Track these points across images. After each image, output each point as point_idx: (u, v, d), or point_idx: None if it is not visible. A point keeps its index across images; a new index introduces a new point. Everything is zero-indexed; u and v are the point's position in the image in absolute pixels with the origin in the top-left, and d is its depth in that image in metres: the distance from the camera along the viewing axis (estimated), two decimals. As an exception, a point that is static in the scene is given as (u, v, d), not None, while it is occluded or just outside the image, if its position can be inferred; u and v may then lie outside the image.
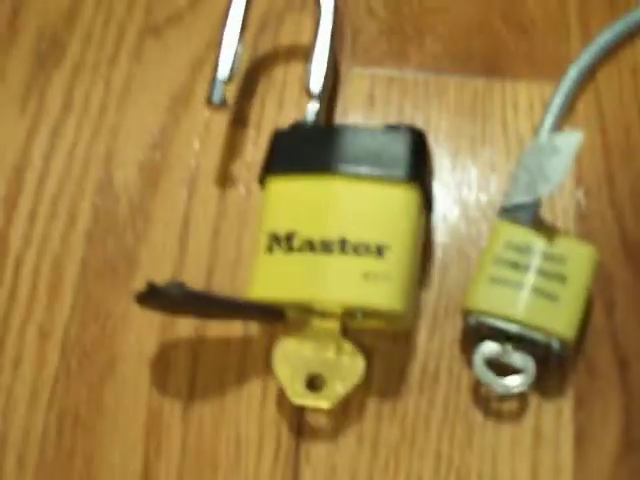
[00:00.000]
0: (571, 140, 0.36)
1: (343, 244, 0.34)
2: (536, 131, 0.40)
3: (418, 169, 0.35)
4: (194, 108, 0.42)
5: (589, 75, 0.41)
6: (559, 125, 0.40)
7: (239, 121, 0.42)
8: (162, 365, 0.37)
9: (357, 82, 0.42)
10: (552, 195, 0.39)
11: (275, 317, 0.35)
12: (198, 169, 0.41)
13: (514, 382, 0.35)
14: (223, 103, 0.38)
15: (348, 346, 0.35)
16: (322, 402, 0.34)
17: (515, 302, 0.34)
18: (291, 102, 0.42)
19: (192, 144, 0.42)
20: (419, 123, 0.41)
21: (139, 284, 0.39)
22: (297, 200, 0.35)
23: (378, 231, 0.34)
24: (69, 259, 0.40)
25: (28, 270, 0.40)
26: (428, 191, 0.36)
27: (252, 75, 0.43)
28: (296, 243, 0.34)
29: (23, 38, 0.46)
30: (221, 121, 0.42)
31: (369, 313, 0.35)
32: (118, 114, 0.43)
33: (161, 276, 0.39)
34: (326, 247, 0.34)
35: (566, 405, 0.36)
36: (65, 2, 0.47)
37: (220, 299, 0.34)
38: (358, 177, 0.35)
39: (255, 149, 0.41)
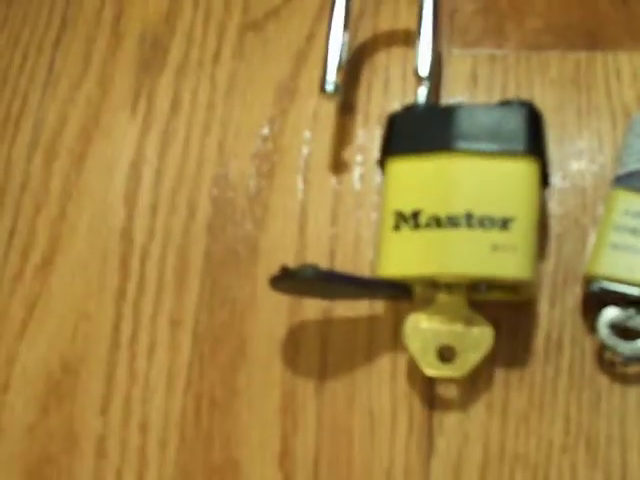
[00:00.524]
0: (684, 105, 0.36)
1: (469, 218, 0.35)
2: (641, 100, 0.40)
3: (536, 142, 0.36)
4: (300, 99, 0.44)
5: (688, 42, 0.42)
6: (663, 93, 0.41)
7: (346, 108, 0.43)
8: (292, 346, 0.39)
9: (458, 63, 0.43)
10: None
11: (403, 294, 0.36)
12: (311, 156, 0.42)
13: (640, 344, 0.35)
14: (336, 91, 0.39)
15: (477, 317, 0.36)
16: (454, 372, 0.35)
17: (637, 266, 0.35)
18: (396, 86, 0.43)
19: (302, 133, 0.43)
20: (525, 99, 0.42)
21: (262, 270, 0.40)
22: (420, 179, 0.36)
23: (502, 204, 0.35)
24: (192, 249, 0.41)
25: (154, 262, 0.42)
26: (545, 164, 0.37)
27: (355, 62, 0.44)
28: (422, 220, 0.35)
29: (127, 43, 0.47)
30: (329, 109, 0.43)
31: (494, 285, 0.36)
32: (226, 110, 0.45)
33: (283, 261, 0.40)
34: (453, 222, 0.35)
35: (692, 365, 0.36)
36: (164, 5, 0.48)
37: (351, 278, 0.36)
38: (478, 153, 0.36)
39: (365, 133, 0.42)
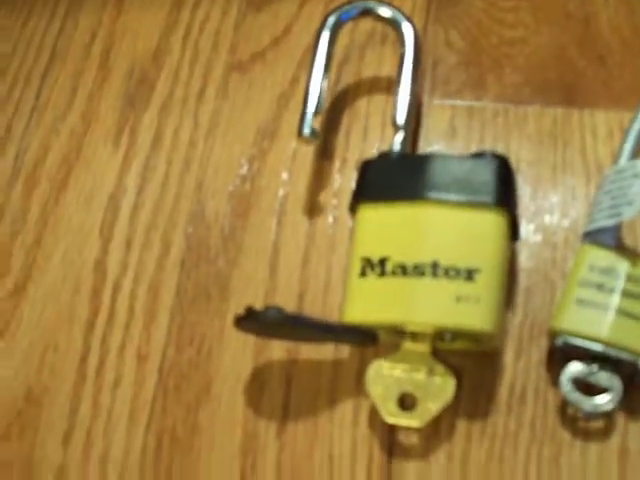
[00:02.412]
0: (653, 165, 0.37)
1: (435, 268, 0.35)
2: (615, 158, 0.41)
3: (505, 194, 0.36)
4: (280, 141, 0.44)
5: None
6: (638, 152, 0.41)
7: (325, 152, 0.44)
8: (256, 386, 0.39)
9: (438, 113, 0.44)
10: (633, 219, 0.40)
11: (368, 340, 0.37)
12: (286, 198, 0.43)
13: (601, 401, 0.35)
14: (313, 135, 0.40)
15: (439, 367, 0.36)
16: (414, 421, 0.35)
17: (601, 323, 0.35)
18: (375, 133, 0.44)
19: (280, 175, 0.43)
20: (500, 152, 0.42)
21: (232, 309, 0.41)
22: (389, 226, 0.36)
23: (468, 255, 0.35)
24: (164, 285, 0.42)
25: (125, 296, 0.42)
26: (515, 216, 0.37)
27: (336, 107, 0.45)
28: (389, 267, 0.35)
29: (114, 78, 0.48)
30: (307, 152, 0.44)
31: (459, 334, 0.36)
32: (207, 148, 0.45)
33: (253, 301, 0.40)
34: (419, 271, 0.35)
35: (653, 425, 0.36)
36: (153, 42, 0.49)
37: (316, 322, 0.36)
38: (448, 203, 0.36)
39: (341, 178, 0.43)
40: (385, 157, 0.38)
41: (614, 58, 0.44)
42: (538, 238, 0.40)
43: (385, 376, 0.36)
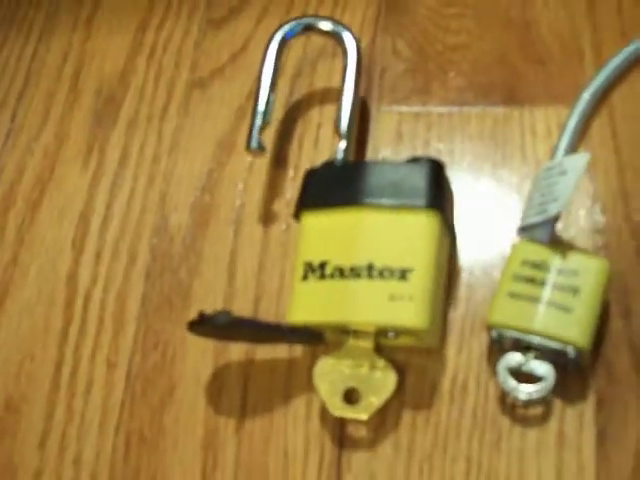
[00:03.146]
0: (577, 162, 0.39)
1: (370, 269, 0.37)
2: (553, 154, 0.43)
3: (437, 197, 0.38)
4: (237, 153, 0.47)
5: (602, 98, 0.44)
6: (575, 147, 0.43)
7: (279, 161, 0.46)
8: (216, 387, 0.41)
9: (386, 120, 0.46)
10: (570, 213, 0.42)
11: (315, 339, 0.39)
12: (243, 208, 0.45)
13: (534, 388, 0.37)
14: (261, 148, 0.42)
15: (381, 362, 0.38)
16: (358, 414, 0.38)
17: (532, 315, 0.37)
18: (326, 142, 0.46)
19: (237, 185, 0.46)
20: (444, 153, 0.44)
21: (193, 315, 0.43)
22: (328, 232, 0.38)
23: (402, 256, 0.37)
24: (131, 295, 0.44)
25: (95, 307, 0.44)
26: (448, 217, 0.39)
27: (289, 118, 0.47)
28: (328, 270, 0.38)
29: (83, 98, 0.51)
30: (262, 163, 0.46)
31: (399, 331, 0.38)
32: (169, 162, 0.47)
33: (213, 307, 0.43)
34: (355, 273, 0.37)
35: (587, 409, 0.38)
36: (120, 62, 0.51)
37: (263, 324, 0.38)
38: (382, 207, 0.38)
39: (293, 187, 0.45)
40: (328, 166, 0.41)
41: (554, 60, 0.46)
42: (479, 236, 0.42)
43: (331, 372, 0.38)
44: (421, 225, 0.38)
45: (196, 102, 0.49)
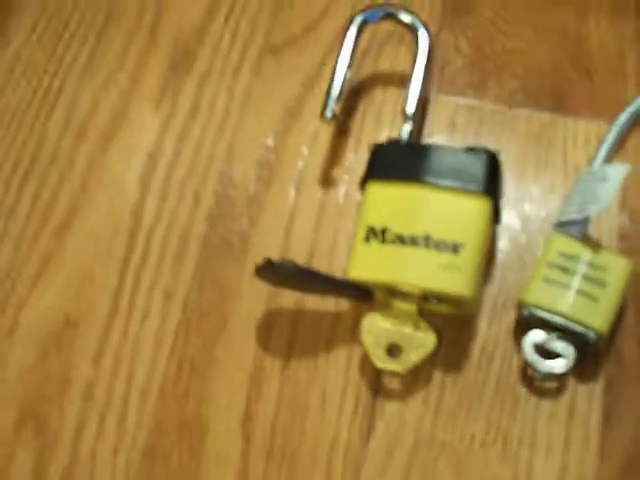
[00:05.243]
0: (619, 171, 0.43)
1: (427, 240, 0.42)
2: (590, 161, 0.47)
3: (491, 185, 0.43)
4: (304, 119, 0.51)
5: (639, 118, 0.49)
6: (610, 158, 0.48)
7: (341, 132, 0.50)
8: (266, 328, 0.45)
9: (442, 108, 0.50)
10: (600, 216, 0.46)
11: (364, 296, 0.43)
12: (305, 171, 0.49)
13: (556, 364, 0.42)
14: (334, 118, 0.46)
15: (423, 324, 0.43)
16: (398, 367, 0.42)
17: (562, 299, 0.42)
18: (387, 119, 0.50)
19: (300, 149, 0.50)
20: (492, 147, 0.49)
21: (250, 261, 0.47)
22: (391, 202, 0.43)
23: (456, 232, 0.42)
24: (192, 234, 0.48)
25: (158, 240, 0.48)
26: (497, 204, 0.43)
27: (354, 93, 0.51)
28: (388, 236, 0.42)
29: (161, 46, 0.54)
30: (326, 132, 0.50)
31: (442, 298, 0.43)
32: (239, 118, 0.51)
33: (269, 256, 0.46)
34: (413, 241, 0.42)
35: (597, 388, 0.43)
36: (197, 18, 0.55)
37: (323, 276, 0.42)
38: (442, 188, 0.43)
39: (354, 157, 0.49)
40: (393, 143, 0.45)
41: (599, 74, 0.50)
42: (517, 224, 0.47)
43: (377, 327, 0.43)
44: (475, 208, 0.42)
45: (268, 66, 0.53)
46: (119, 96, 0.53)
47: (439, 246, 0.41)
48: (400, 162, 0.44)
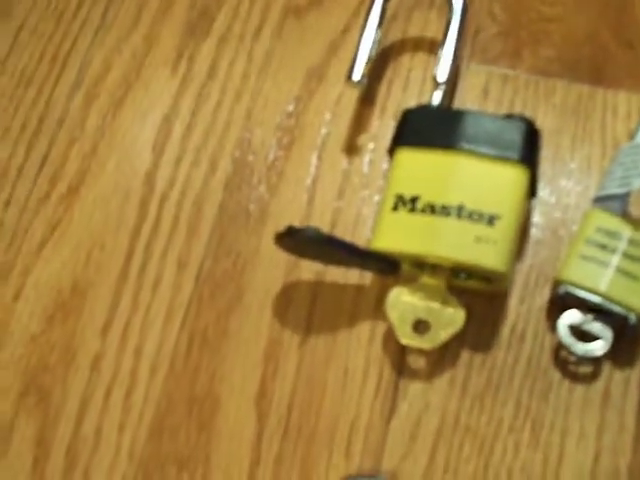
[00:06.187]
0: (666, 144, 0.41)
1: (460, 210, 0.39)
2: (631, 135, 0.45)
3: (529, 153, 0.40)
4: (327, 84, 0.48)
5: (683, 92, 0.46)
6: (651, 133, 0.45)
7: (366, 99, 0.47)
8: (284, 301, 0.43)
9: (474, 77, 0.48)
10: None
11: (391, 268, 0.41)
12: (328, 137, 0.47)
13: (592, 347, 0.40)
14: (361, 81, 0.44)
15: (452, 300, 0.40)
16: (425, 344, 0.40)
17: (601, 277, 0.40)
18: (414, 87, 0.47)
19: (324, 115, 0.47)
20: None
21: (269, 230, 0.45)
22: (422, 169, 0.40)
23: (491, 203, 0.39)
24: (208, 201, 0.46)
25: (171, 208, 0.46)
26: (535, 175, 0.41)
27: (381, 59, 0.48)
28: (419, 205, 0.40)
29: (177, 7, 0.52)
30: (351, 97, 0.47)
31: (473, 273, 0.40)
32: (258, 82, 0.49)
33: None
34: (445, 211, 0.39)
35: (634, 375, 0.41)
36: (216, -21, 0.52)
37: (348, 245, 0.40)
38: (478, 155, 0.40)
39: (380, 124, 0.47)
40: (424, 108, 0.42)
41: (641, 45, 0.48)
42: (552, 199, 0.44)
43: (403, 302, 0.40)
44: (512, 177, 0.40)
45: (290, 29, 0.50)
46: (132, 58, 0.50)
47: (473, 217, 0.39)
48: (433, 128, 0.41)
